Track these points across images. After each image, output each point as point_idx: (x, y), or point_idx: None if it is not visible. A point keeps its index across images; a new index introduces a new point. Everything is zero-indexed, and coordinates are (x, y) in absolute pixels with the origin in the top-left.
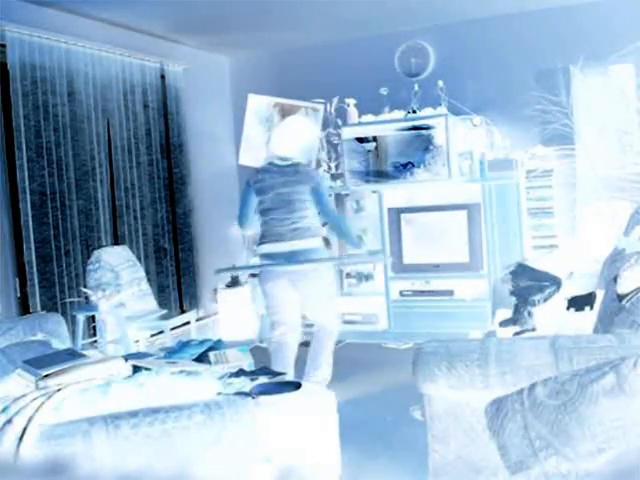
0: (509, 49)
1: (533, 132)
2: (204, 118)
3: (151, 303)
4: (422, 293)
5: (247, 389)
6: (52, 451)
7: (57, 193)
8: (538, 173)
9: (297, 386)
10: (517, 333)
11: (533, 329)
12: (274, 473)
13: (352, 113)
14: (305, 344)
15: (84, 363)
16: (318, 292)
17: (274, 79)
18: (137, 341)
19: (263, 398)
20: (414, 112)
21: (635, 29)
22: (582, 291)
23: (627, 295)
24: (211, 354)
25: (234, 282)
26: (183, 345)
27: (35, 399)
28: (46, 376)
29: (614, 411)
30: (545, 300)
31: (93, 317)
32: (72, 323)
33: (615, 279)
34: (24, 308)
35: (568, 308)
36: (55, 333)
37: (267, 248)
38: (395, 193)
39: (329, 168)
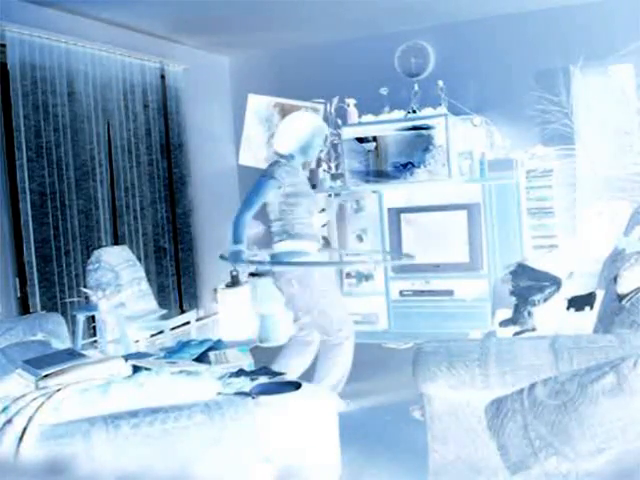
0: (509, 49)
1: (533, 132)
2: (204, 118)
3: (151, 303)
4: (422, 293)
5: (247, 389)
6: (52, 451)
7: (57, 193)
8: (538, 173)
9: (297, 386)
10: (517, 333)
11: (533, 329)
12: (274, 473)
13: (352, 113)
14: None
15: (84, 363)
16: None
17: (274, 79)
18: (137, 341)
19: (263, 398)
20: (414, 112)
21: (635, 29)
22: (582, 291)
23: (627, 295)
24: (211, 354)
25: (234, 282)
26: (183, 345)
27: (35, 399)
28: (46, 376)
29: (614, 411)
30: (545, 300)
31: (93, 317)
32: (72, 323)
33: (615, 279)
34: (24, 308)
35: (568, 308)
36: (55, 333)
37: (304, 246)
38: (395, 193)
39: (329, 168)
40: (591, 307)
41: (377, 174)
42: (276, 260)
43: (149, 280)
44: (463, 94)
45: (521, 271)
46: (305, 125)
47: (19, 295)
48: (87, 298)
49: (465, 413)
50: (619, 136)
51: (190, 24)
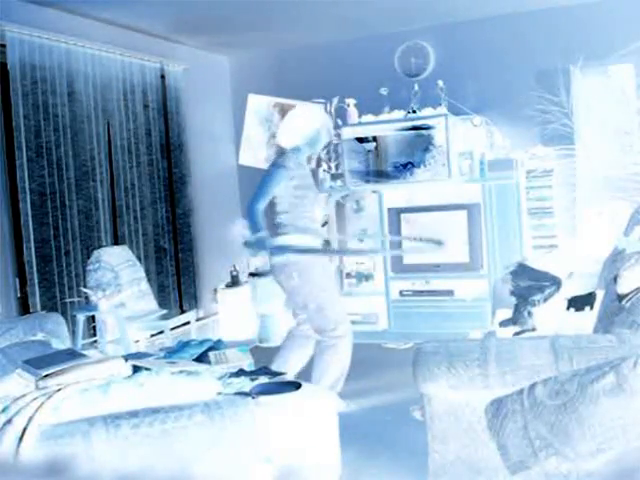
0: (509, 49)
1: (533, 132)
2: (204, 118)
3: (151, 303)
4: (422, 293)
5: (247, 389)
6: (52, 451)
7: (57, 193)
8: (538, 173)
9: (297, 386)
10: (517, 333)
11: (533, 329)
12: (274, 473)
13: (352, 113)
14: None
15: (84, 363)
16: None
17: (274, 79)
18: (137, 341)
19: (263, 398)
20: (414, 112)
21: (635, 29)
22: (582, 291)
23: (627, 295)
24: (211, 354)
25: (234, 282)
26: (183, 345)
27: (35, 399)
28: (46, 376)
29: (614, 411)
30: (545, 300)
31: (93, 317)
32: (72, 323)
33: (615, 279)
34: (24, 308)
35: (568, 308)
36: (55, 333)
37: (309, 240)
38: (395, 193)
39: (329, 168)
40: (591, 307)
41: (377, 174)
42: (287, 249)
43: (149, 280)
44: (463, 94)
45: (521, 271)
46: (312, 118)
47: (19, 295)
48: (87, 298)
49: (465, 413)
50: (619, 136)
51: (190, 24)
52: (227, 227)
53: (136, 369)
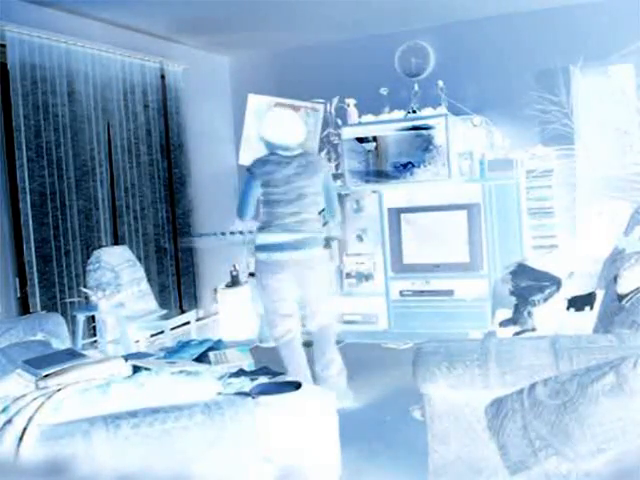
0: (509, 49)
1: (533, 132)
2: (204, 118)
3: (151, 303)
4: (422, 293)
5: (247, 389)
6: (52, 451)
7: (57, 193)
8: (538, 173)
9: (297, 386)
10: (517, 333)
11: (533, 329)
12: (274, 473)
13: (352, 113)
14: (307, 344)
15: (84, 363)
16: (320, 285)
17: (274, 79)
18: (137, 341)
19: (263, 398)
20: (414, 112)
21: (635, 29)
22: (582, 291)
23: (627, 295)
24: (211, 354)
25: (234, 282)
26: (183, 345)
27: (35, 399)
28: (46, 376)
29: (614, 411)
30: (545, 300)
31: (93, 317)
32: (72, 323)
33: (615, 279)
34: (24, 308)
35: (568, 308)
36: (55, 333)
37: (273, 238)
38: (395, 193)
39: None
40: (591, 307)
41: (377, 174)
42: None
43: (149, 280)
44: (463, 94)
45: (521, 271)
46: (268, 120)
47: (19, 295)
48: (87, 298)
49: (465, 413)
50: (619, 136)
51: (190, 24)
52: (227, 227)
53: (136, 369)
